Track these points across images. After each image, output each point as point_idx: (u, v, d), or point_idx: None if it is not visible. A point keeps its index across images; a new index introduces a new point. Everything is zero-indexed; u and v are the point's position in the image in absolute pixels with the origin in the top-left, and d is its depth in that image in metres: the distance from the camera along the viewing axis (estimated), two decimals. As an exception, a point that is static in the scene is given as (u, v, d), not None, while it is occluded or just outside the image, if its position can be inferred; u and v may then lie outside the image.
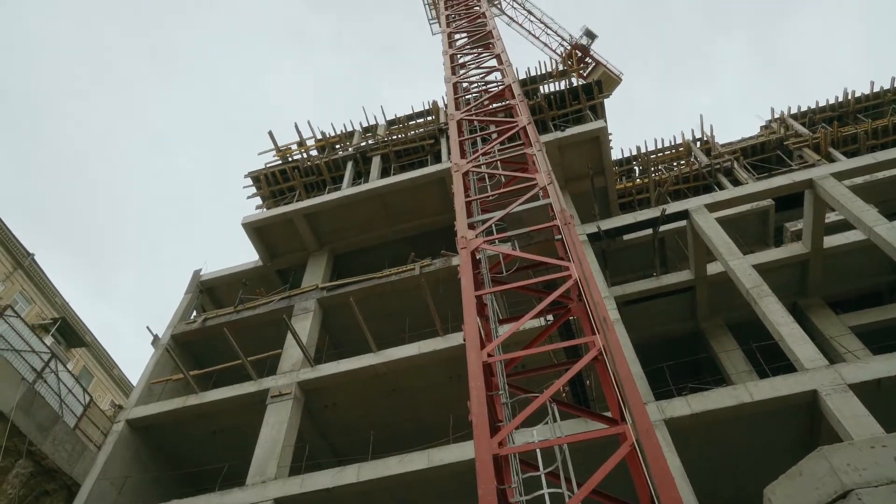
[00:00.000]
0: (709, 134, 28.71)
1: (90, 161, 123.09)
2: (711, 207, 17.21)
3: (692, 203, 17.40)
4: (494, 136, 13.51)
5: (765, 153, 27.31)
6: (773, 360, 14.81)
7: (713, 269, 17.48)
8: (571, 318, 9.29)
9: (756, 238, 20.42)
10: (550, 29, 34.49)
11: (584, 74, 33.37)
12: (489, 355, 7.43)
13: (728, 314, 18.00)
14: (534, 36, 34.75)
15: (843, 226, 18.02)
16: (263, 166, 25.03)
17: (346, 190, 21.34)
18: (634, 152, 28.96)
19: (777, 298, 13.54)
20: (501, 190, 11.33)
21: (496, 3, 33.96)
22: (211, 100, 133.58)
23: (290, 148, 25.64)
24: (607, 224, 17.85)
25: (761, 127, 30.29)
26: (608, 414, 6.75)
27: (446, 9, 24.02)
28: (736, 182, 25.08)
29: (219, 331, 17.90)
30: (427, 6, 32.36)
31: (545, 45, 34.73)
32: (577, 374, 11.31)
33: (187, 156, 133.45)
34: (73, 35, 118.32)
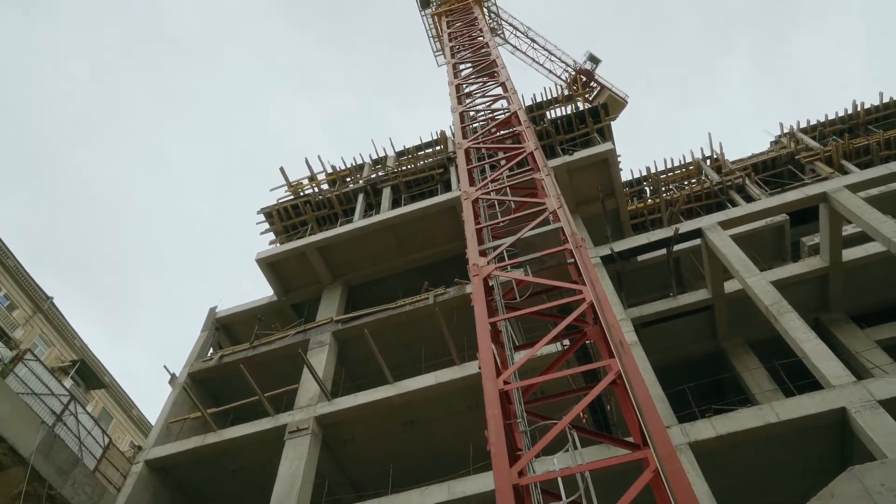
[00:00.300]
0: (718, 151, 28.65)
1: (104, 203, 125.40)
2: (725, 225, 17.08)
3: (705, 221, 17.28)
4: (503, 162, 13.59)
5: (776, 168, 27.16)
6: (798, 377, 14.48)
7: (731, 286, 17.25)
8: (588, 341, 9.18)
9: (772, 254, 20.18)
10: (554, 56, 34.89)
11: (590, 98, 33.61)
12: (505, 382, 7.34)
13: (749, 332, 17.69)
14: (538, 63, 35.15)
15: (862, 238, 17.77)
16: (276, 202, 25.32)
17: (358, 222, 21.48)
18: (644, 173, 28.94)
19: (798, 314, 13.30)
20: (512, 216, 11.35)
21: (499, 33, 34.49)
22: (221, 139, 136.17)
23: (301, 183, 25.94)
24: (620, 245, 17.75)
25: (771, 142, 30.20)
26: (630, 439, 6.60)
27: (450, 40, 24.43)
28: (748, 198, 24.91)
29: (235, 367, 17.89)
30: (432, 39, 32.94)
31: (550, 71, 35.10)
32: (596, 399, 11.11)
33: (200, 194, 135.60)
34: (88, 77, 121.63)
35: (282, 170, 25.44)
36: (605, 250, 17.64)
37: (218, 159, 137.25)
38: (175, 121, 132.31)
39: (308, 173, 26.06)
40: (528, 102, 25.11)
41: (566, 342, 10.53)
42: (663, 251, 18.15)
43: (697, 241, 17.56)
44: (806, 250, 19.10)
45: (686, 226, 17.52)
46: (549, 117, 23.99)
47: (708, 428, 11.50)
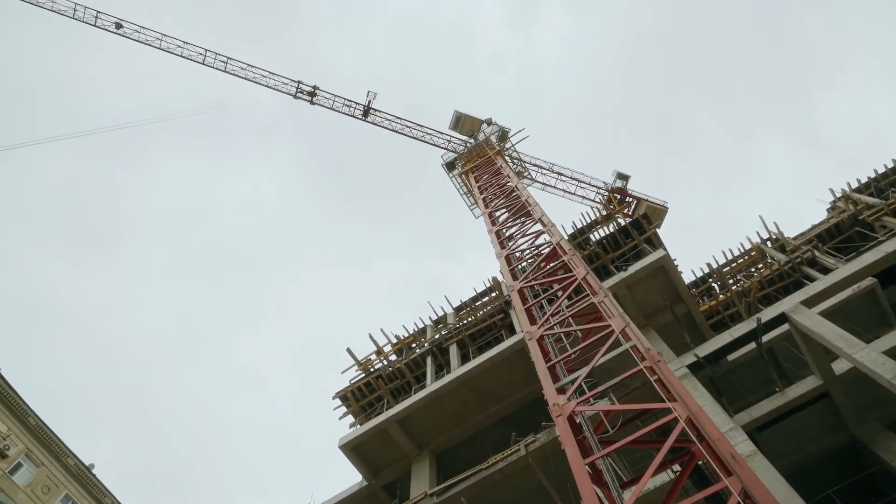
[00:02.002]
0: (776, 231, 27.83)
1: (183, 422, 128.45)
2: (809, 303, 16.07)
3: (786, 304, 16.33)
4: (558, 294, 13.50)
5: (842, 234, 25.96)
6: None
7: (840, 366, 15.76)
8: (700, 462, 8.34)
9: (873, 322, 18.56)
10: (583, 182, 36.01)
11: (630, 213, 33.95)
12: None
13: (881, 412, 15.77)
14: (570, 193, 36.24)
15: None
16: (348, 383, 25.47)
17: (432, 386, 21.21)
18: (706, 270, 28.11)
19: (926, 381, 11.89)
20: (581, 345, 11.01)
21: (526, 174, 36.16)
22: (284, 332, 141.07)
23: (369, 359, 26.22)
24: (704, 349, 16.77)
25: (827, 210, 29.23)
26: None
27: (481, 192, 25.68)
28: (825, 270, 23.61)
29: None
30: (464, 196, 34.72)
31: (583, 197, 36.01)
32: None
33: (273, 390, 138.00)
34: (158, 297, 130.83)
35: (349, 350, 25.93)
36: (689, 358, 16.66)
37: (285, 353, 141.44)
38: (242, 328, 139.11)
39: (374, 348, 26.43)
40: (570, 230, 25.51)
41: (676, 467, 9.61)
42: (752, 345, 17.00)
43: (785, 327, 16.44)
44: (909, 309, 17.58)
45: (768, 313, 16.56)
46: (593, 240, 24.17)
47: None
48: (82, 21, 37.87)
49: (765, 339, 16.60)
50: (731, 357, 18.09)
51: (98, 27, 37.84)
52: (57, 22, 41.75)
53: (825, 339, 14.53)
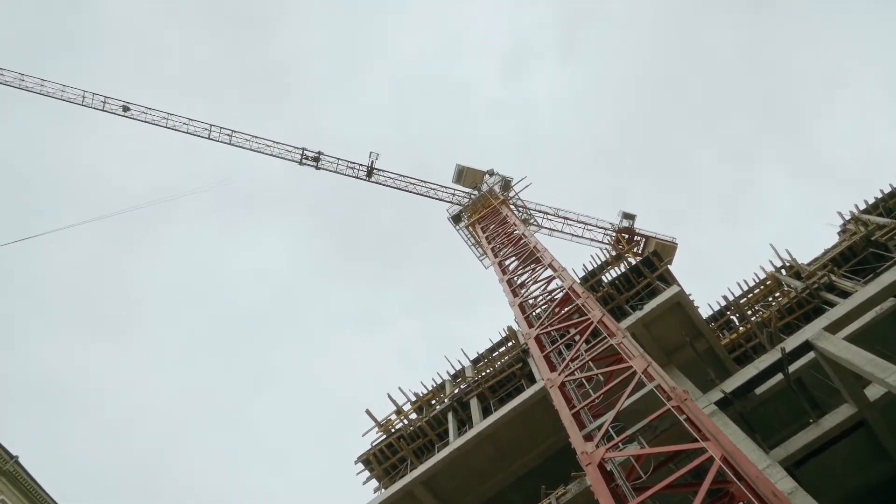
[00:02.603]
0: (789, 258, 27.56)
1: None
2: (832, 328, 15.76)
3: (809, 332, 16.02)
4: (576, 338, 13.33)
5: (856, 256, 25.67)
6: None
7: (874, 392, 15.28)
8: (740, 503, 7.99)
9: (900, 342, 18.14)
10: (590, 225, 36.12)
11: (639, 252, 33.86)
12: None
13: (923, 438, 15.20)
14: (577, 236, 36.32)
15: None
16: (370, 446, 24.90)
17: (455, 442, 20.71)
18: (723, 303, 27.74)
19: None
20: (604, 389, 10.79)
21: (532, 221, 36.35)
22: (300, 399, 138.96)
23: (390, 419, 25.72)
24: (730, 384, 16.36)
25: (838, 233, 29.01)
26: None
27: (489, 242, 25.78)
28: (843, 294, 23.23)
29: None
30: (472, 247, 34.82)
31: (591, 239, 36.05)
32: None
33: (293, 457, 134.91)
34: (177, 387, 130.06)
35: (368, 412, 25.47)
36: (716, 394, 16.23)
37: (303, 419, 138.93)
38: (259, 396, 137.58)
39: (394, 408, 25.96)
40: (581, 273, 25.40)
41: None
42: (779, 376, 16.57)
43: (812, 355, 16.06)
44: (935, 327, 17.16)
45: (791, 342, 16.23)
46: (605, 281, 24.02)
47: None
48: (91, 107, 39.29)
49: (791, 369, 16.20)
50: (758, 390, 17.60)
51: (106, 112, 39.23)
52: (61, 109, 43.34)
53: (854, 365, 14.16)
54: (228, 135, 38.70)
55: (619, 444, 9.06)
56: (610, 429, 9.41)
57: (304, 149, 38.70)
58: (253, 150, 38.90)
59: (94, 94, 39.01)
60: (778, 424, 17.75)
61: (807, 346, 15.80)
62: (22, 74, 39.04)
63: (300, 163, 38.73)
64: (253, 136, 38.68)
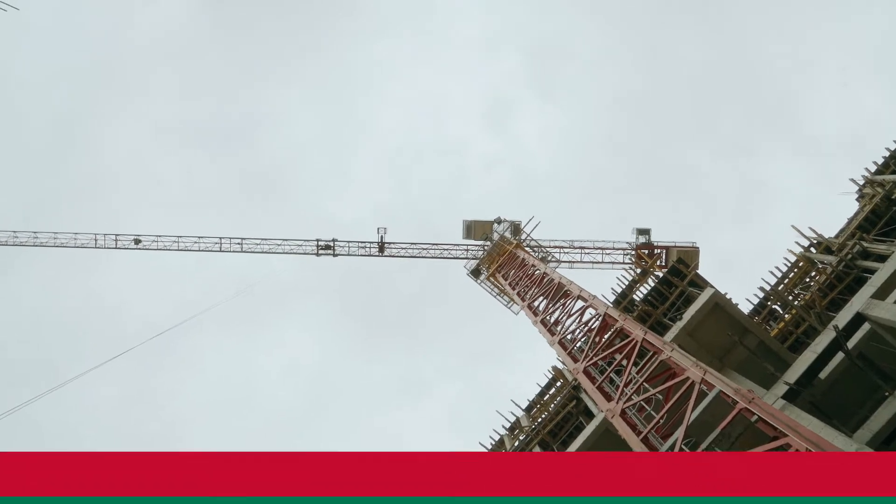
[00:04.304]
0: (814, 235, 27.10)
1: None
2: (879, 295, 15.31)
3: (857, 303, 15.59)
4: (624, 363, 13.06)
5: (881, 218, 25.20)
6: None
7: (940, 350, 14.70)
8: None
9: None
10: (607, 249, 35.98)
11: (663, 264, 33.52)
12: None
13: None
14: (598, 262, 36.12)
15: None
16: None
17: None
18: (761, 295, 27.15)
19: None
20: (666, 407, 10.47)
21: (550, 258, 36.28)
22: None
23: (455, 489, 24.99)
24: (792, 374, 15.83)
25: (857, 199, 28.61)
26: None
27: (513, 288, 25.68)
28: (881, 258, 22.68)
29: None
30: (497, 297, 34.69)
31: (613, 262, 35.83)
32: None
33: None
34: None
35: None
36: (780, 388, 15.68)
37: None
38: None
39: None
40: (612, 297, 25.10)
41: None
42: (840, 355, 16.00)
43: (867, 326, 15.56)
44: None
45: (842, 318, 15.78)
46: (637, 300, 23.70)
47: None
48: (104, 248, 40.55)
49: (850, 344, 15.67)
50: (822, 374, 16.98)
51: (119, 248, 40.43)
52: (73, 253, 44.64)
53: (913, 326, 13.69)
54: (239, 243, 39.58)
55: (697, 460, 8.71)
56: (682, 446, 9.08)
57: (318, 240, 39.38)
58: (265, 252, 39.67)
59: (104, 234, 40.37)
60: (853, 405, 17.00)
61: (859, 318, 15.33)
62: (35, 232, 40.62)
63: (317, 254, 39.34)
64: (262, 239, 39.52)
